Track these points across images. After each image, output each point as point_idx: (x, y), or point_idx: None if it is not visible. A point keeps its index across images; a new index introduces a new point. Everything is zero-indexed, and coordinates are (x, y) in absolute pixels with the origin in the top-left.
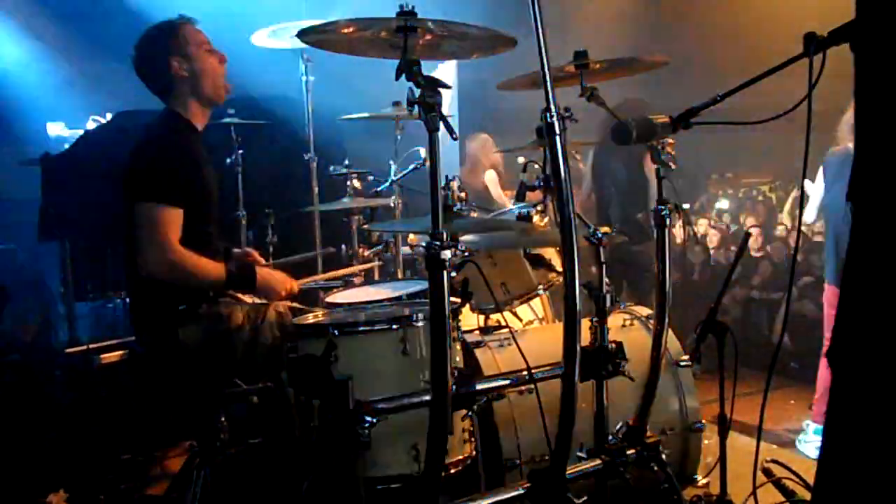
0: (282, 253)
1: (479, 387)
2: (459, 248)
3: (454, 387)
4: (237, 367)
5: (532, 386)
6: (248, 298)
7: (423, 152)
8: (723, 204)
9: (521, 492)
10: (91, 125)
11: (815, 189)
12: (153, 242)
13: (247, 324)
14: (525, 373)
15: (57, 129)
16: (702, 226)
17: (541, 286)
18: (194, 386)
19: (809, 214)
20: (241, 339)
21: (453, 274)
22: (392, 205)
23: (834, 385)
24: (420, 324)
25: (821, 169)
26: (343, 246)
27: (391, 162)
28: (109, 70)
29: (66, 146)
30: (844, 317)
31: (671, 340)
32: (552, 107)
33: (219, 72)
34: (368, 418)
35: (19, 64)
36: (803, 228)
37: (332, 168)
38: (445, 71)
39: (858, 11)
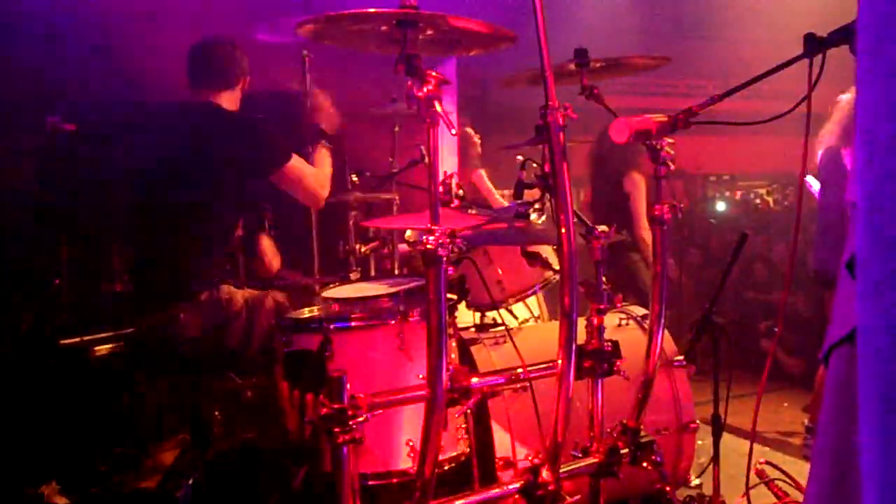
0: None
1: (474, 383)
2: (456, 244)
3: (449, 383)
4: (233, 354)
5: (527, 384)
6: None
7: (422, 149)
8: (719, 206)
9: (515, 489)
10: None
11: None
12: (311, 182)
13: (244, 312)
14: (520, 370)
15: (55, 121)
16: None
17: (537, 284)
18: (191, 374)
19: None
20: (239, 325)
21: (450, 270)
22: (389, 201)
23: (828, 385)
24: (416, 319)
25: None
26: (340, 242)
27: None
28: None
29: (64, 137)
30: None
31: (666, 340)
32: (552, 104)
33: None
34: (362, 413)
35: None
36: None
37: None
38: (445, 67)
39: (861, 11)
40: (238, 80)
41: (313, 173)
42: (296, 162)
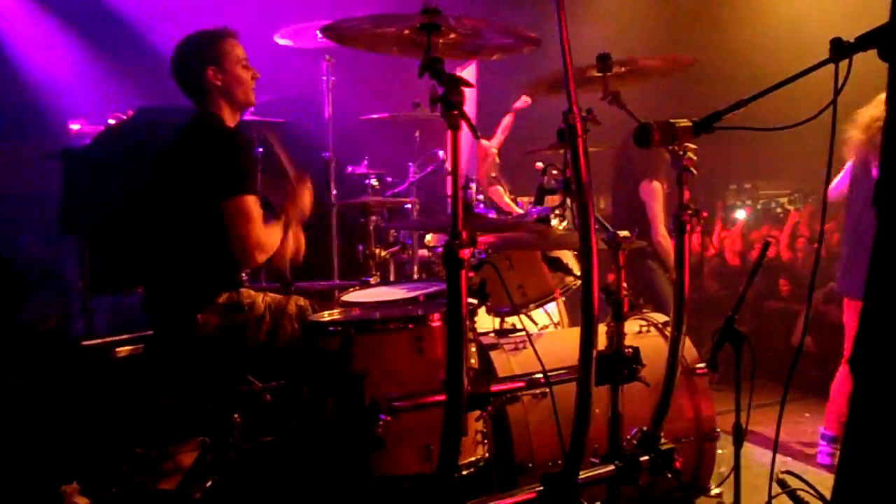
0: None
1: (493, 388)
2: (477, 248)
3: (469, 387)
4: (254, 358)
5: (546, 389)
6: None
7: (441, 154)
8: (741, 214)
9: (534, 495)
10: (112, 121)
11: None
12: (256, 229)
13: (267, 316)
14: (540, 376)
15: (78, 125)
16: None
17: (558, 289)
18: (210, 376)
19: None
20: (260, 330)
21: (470, 274)
22: (409, 205)
23: (855, 391)
24: (436, 324)
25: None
26: (360, 246)
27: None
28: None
29: (87, 141)
30: (868, 322)
31: (688, 348)
32: (574, 109)
33: (250, 85)
34: (383, 416)
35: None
36: None
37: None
38: (466, 73)
39: (893, 15)
40: (200, 86)
41: (262, 227)
42: (254, 202)
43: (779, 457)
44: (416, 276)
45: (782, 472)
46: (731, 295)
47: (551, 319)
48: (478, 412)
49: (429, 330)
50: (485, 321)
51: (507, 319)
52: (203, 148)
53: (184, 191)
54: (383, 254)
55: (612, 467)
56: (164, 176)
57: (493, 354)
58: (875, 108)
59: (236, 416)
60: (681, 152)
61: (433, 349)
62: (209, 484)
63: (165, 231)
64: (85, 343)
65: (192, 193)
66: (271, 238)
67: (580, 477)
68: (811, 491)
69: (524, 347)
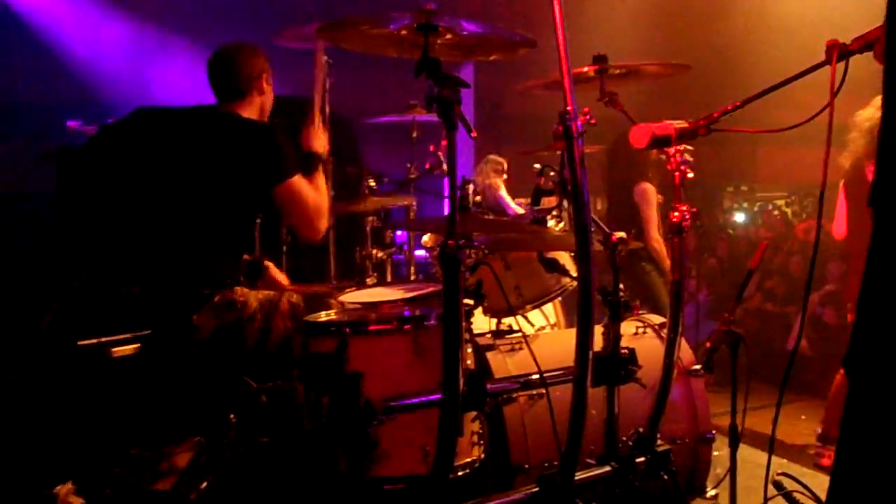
0: (293, 252)
1: (489, 389)
2: (474, 248)
3: (464, 388)
4: (248, 356)
5: (543, 390)
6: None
7: (440, 155)
8: (738, 217)
9: (529, 496)
10: (109, 120)
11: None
12: (312, 202)
13: (259, 313)
14: (536, 377)
15: (75, 125)
16: None
17: (555, 290)
18: (206, 375)
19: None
20: (253, 328)
21: (466, 275)
22: (406, 206)
23: (850, 393)
24: (432, 324)
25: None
26: (357, 247)
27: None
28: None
29: (84, 140)
30: (862, 323)
31: (684, 349)
32: (571, 110)
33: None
34: (378, 416)
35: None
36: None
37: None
38: (462, 73)
39: (889, 17)
40: (250, 85)
41: (315, 198)
42: (301, 180)
43: (775, 458)
44: (412, 278)
45: (778, 474)
46: (726, 297)
47: (548, 320)
48: (474, 413)
49: (425, 330)
50: (481, 322)
51: (503, 320)
52: (242, 140)
53: (213, 185)
54: (380, 255)
55: (608, 469)
56: (179, 173)
57: (489, 355)
58: (874, 109)
59: (232, 416)
60: (677, 154)
61: (429, 350)
62: (204, 485)
63: (167, 229)
64: (80, 342)
65: (228, 186)
66: (323, 197)
67: (576, 478)
68: (807, 493)
69: (520, 348)
